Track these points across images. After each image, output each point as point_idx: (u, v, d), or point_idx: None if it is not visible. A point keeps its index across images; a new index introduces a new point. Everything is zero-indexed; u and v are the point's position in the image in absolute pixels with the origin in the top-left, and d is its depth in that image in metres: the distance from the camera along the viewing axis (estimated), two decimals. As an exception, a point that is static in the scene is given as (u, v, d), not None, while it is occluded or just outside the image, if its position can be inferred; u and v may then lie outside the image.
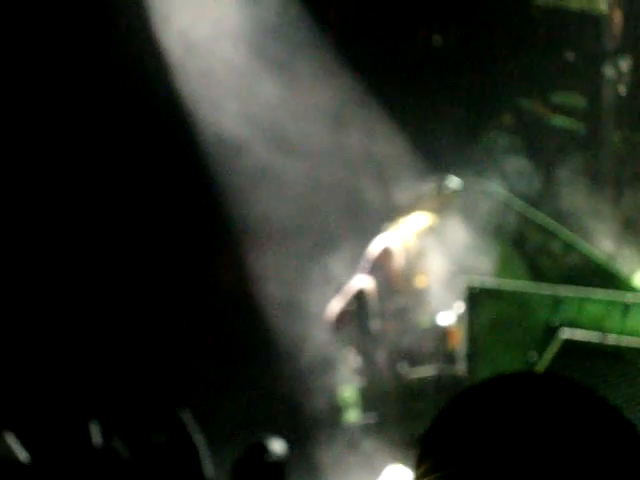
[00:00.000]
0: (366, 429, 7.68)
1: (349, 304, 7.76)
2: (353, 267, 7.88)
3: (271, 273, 8.81)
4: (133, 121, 9.10)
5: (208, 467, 4.66)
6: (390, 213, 8.00)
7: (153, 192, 9.21)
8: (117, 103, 9.05)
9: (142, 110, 9.02)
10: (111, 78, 8.98)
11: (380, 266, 7.79)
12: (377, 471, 6.76)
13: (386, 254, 7.81)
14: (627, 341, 7.26)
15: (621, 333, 7.23)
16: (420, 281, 7.79)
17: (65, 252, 8.95)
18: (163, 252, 9.21)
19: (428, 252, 7.77)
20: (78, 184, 9.07)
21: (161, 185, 9.23)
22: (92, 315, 8.84)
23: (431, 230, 7.80)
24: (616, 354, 7.23)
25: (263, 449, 4.89)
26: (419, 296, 7.76)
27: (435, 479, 1.07)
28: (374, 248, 7.86)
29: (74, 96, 8.99)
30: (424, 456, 1.10)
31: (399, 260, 7.79)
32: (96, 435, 3.74)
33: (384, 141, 8.57)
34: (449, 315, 7.53)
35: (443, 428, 1.09)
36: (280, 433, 5.20)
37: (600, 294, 7.44)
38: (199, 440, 4.56)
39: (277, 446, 4.94)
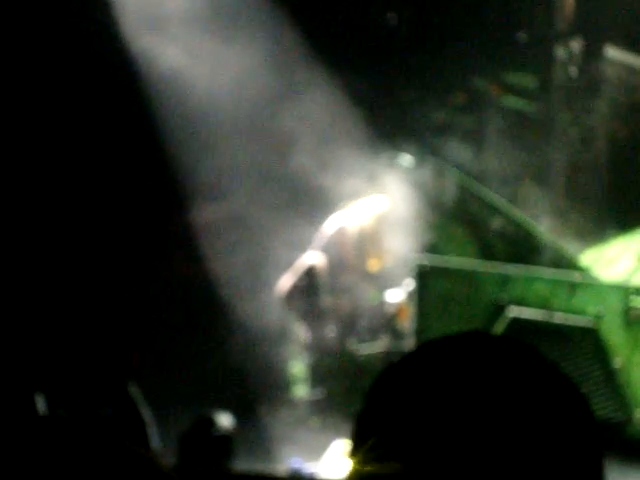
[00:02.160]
0: (314, 404, 7.71)
1: (300, 279, 7.78)
2: (305, 242, 7.89)
3: (222, 246, 8.79)
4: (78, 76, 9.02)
5: (155, 440, 4.67)
6: (343, 191, 8.00)
7: (95, 155, 9.14)
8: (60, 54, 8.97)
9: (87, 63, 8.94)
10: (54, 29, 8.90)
11: (334, 243, 7.80)
12: (325, 446, 6.80)
13: (341, 232, 7.82)
14: (573, 320, 7.36)
15: (567, 312, 7.32)
16: (373, 264, 7.82)
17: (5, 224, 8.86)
18: (110, 221, 9.16)
19: (383, 235, 7.79)
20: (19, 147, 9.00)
21: (105, 148, 9.16)
22: (38, 287, 8.77)
23: (390, 214, 7.83)
24: (562, 332, 7.32)
25: (210, 423, 4.90)
26: (371, 278, 7.79)
27: (374, 458, 1.02)
28: (329, 225, 7.87)
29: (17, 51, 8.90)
30: (361, 433, 1.04)
31: (353, 239, 7.81)
32: (41, 407, 3.73)
33: (336, 118, 8.56)
34: (399, 292, 7.57)
35: (377, 402, 1.05)
36: (228, 407, 5.21)
37: (547, 273, 7.53)
38: (146, 414, 4.56)
39: (224, 420, 4.95)
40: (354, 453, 1.05)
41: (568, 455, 1.02)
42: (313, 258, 7.79)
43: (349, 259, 7.80)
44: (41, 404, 3.70)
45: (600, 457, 1.04)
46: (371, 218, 7.85)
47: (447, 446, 1.00)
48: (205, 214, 8.98)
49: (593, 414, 1.06)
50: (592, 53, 10.18)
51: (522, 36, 10.14)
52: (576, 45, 10.20)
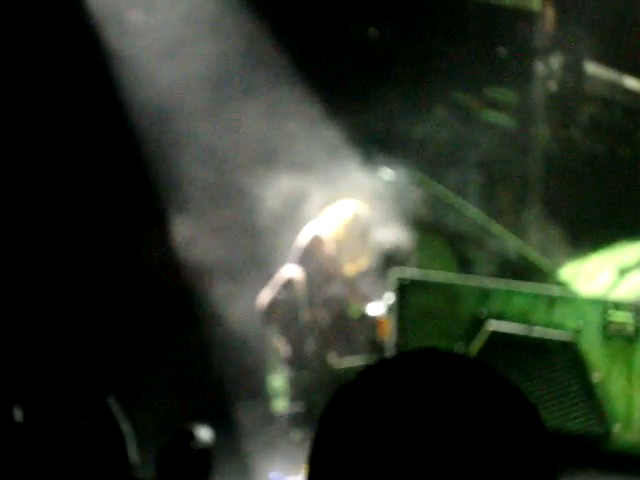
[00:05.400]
0: (294, 418, 7.70)
1: (278, 293, 7.77)
2: (284, 254, 7.89)
3: (202, 255, 8.76)
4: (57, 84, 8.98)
5: (134, 454, 4.64)
6: (322, 204, 8.01)
7: (74, 162, 9.08)
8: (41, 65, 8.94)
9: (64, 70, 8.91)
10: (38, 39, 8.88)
11: (311, 254, 7.80)
12: (304, 460, 6.78)
13: (316, 242, 7.82)
14: (552, 334, 7.37)
15: (546, 326, 7.33)
16: (349, 269, 7.82)
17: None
18: (84, 228, 9.09)
19: (357, 240, 7.80)
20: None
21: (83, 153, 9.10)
22: (14, 297, 8.72)
23: (359, 217, 7.83)
24: (541, 346, 7.34)
25: (190, 436, 4.88)
26: (349, 284, 7.79)
27: None
28: (304, 237, 7.86)
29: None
30: (317, 465, 1.07)
31: (330, 247, 7.81)
32: (19, 419, 3.71)
33: (317, 131, 8.58)
34: (379, 306, 7.57)
35: (331, 431, 1.06)
36: (207, 420, 5.20)
37: (527, 287, 7.54)
38: (125, 427, 4.54)
39: (204, 433, 4.94)
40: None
41: (520, 467, 1.02)
42: (291, 271, 7.79)
43: (326, 268, 7.80)
44: (19, 416, 3.68)
45: (552, 468, 1.04)
46: (342, 223, 7.85)
47: (403, 472, 1.00)
48: (183, 221, 8.96)
49: (544, 425, 1.07)
50: (571, 69, 10.25)
51: (502, 51, 10.20)
52: (556, 61, 10.27)
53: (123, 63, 8.63)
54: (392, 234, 7.69)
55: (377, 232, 7.68)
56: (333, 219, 7.87)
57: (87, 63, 8.81)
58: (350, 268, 7.79)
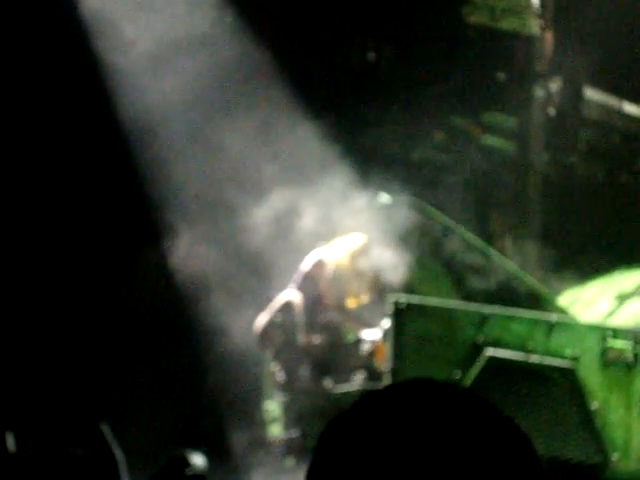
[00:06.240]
0: (289, 444, 7.64)
1: (275, 316, 7.74)
2: (282, 280, 7.87)
3: (198, 281, 8.73)
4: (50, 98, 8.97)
5: (127, 480, 4.59)
6: (321, 229, 7.99)
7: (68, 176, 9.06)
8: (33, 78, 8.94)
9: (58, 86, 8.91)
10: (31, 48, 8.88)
11: (311, 278, 7.78)
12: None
13: (318, 266, 7.81)
14: (549, 360, 7.33)
15: (544, 353, 7.29)
16: (350, 302, 7.80)
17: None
18: (73, 258, 9.06)
19: (360, 272, 7.77)
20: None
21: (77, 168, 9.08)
22: (7, 325, 8.68)
23: (365, 251, 7.82)
24: (539, 373, 7.29)
25: (183, 462, 4.84)
26: (348, 314, 7.77)
27: None
28: (307, 262, 7.86)
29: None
30: None
31: (330, 273, 7.79)
32: (11, 445, 3.67)
33: (315, 155, 8.57)
34: (375, 331, 7.53)
35: (326, 460, 1.07)
36: (201, 446, 5.16)
37: (525, 313, 7.50)
38: (118, 453, 4.50)
39: (197, 459, 4.90)
40: None
41: None
42: (290, 295, 7.77)
43: (325, 296, 7.78)
44: (11, 443, 3.64)
45: None
46: (348, 255, 7.84)
47: None
48: (180, 249, 8.93)
49: (538, 457, 1.07)
50: (570, 94, 10.26)
51: (501, 76, 10.21)
52: (554, 86, 10.28)
53: (116, 76, 8.64)
54: (390, 261, 7.65)
55: (379, 263, 7.65)
56: (340, 249, 7.87)
57: (81, 76, 8.81)
58: (352, 300, 7.77)
